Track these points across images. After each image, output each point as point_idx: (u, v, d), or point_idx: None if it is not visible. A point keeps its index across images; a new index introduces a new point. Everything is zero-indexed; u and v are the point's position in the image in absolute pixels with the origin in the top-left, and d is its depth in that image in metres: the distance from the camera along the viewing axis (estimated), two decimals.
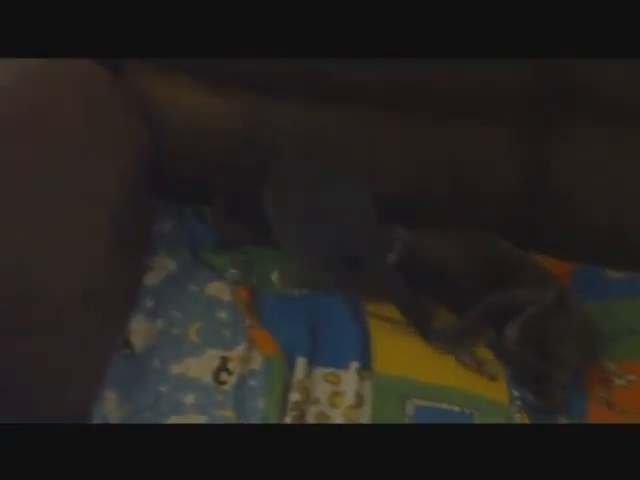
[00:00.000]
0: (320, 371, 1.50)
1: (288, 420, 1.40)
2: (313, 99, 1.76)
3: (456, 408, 1.46)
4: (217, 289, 1.62)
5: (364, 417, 1.43)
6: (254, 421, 1.40)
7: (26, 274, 1.28)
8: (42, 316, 1.30)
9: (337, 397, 1.45)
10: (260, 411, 1.42)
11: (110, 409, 1.40)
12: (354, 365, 1.49)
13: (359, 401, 1.45)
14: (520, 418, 1.46)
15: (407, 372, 1.51)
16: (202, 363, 1.49)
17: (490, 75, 1.71)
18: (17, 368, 1.32)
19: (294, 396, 1.43)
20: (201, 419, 1.40)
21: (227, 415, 1.41)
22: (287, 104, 1.77)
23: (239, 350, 1.51)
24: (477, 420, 1.45)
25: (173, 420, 1.40)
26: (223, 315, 1.58)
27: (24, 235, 1.31)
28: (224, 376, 1.47)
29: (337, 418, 1.42)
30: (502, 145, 1.79)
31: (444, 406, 1.47)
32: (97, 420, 1.38)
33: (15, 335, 1.28)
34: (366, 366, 1.50)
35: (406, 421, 1.43)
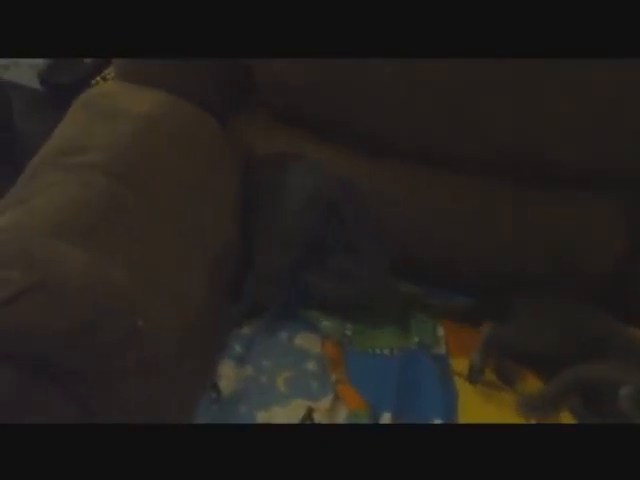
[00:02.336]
0: None
1: None
2: (419, 164, 1.80)
3: None
4: (307, 340, 1.65)
5: None
6: None
7: (131, 319, 1.32)
8: (142, 360, 1.34)
9: None
10: None
11: None
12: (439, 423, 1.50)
13: None
14: None
15: None
16: (288, 412, 1.50)
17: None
18: (113, 411, 1.35)
19: None
20: None
21: None
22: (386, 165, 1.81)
23: (325, 402, 1.52)
24: None
25: None
26: (311, 366, 1.60)
27: (131, 280, 1.36)
28: None
29: None
30: (602, 217, 1.81)
31: None
32: None
33: (114, 379, 1.33)
34: None
35: None
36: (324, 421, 1.49)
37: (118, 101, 1.68)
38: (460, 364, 1.63)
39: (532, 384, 1.64)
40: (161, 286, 1.43)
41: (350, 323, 1.69)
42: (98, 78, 2.28)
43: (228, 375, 1.56)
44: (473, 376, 1.61)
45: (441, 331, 1.72)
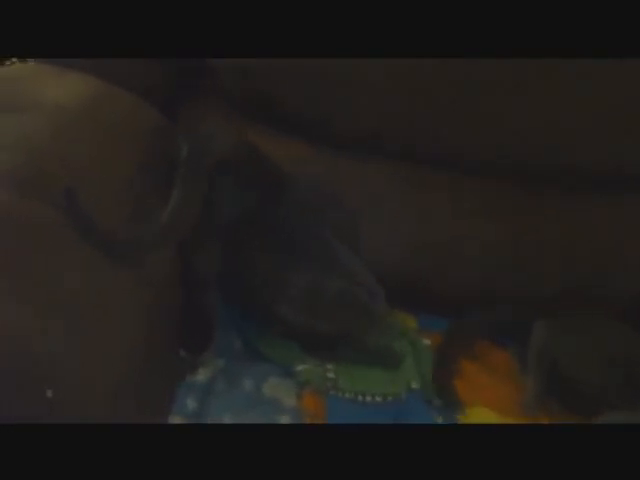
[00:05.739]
0: None
1: None
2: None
3: None
4: (278, 388, 1.34)
5: None
6: None
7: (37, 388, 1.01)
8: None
9: None
10: None
11: None
12: None
13: None
14: None
15: None
16: None
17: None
18: None
19: None
20: None
21: None
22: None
23: None
24: None
25: None
26: (285, 422, 1.29)
27: (40, 332, 1.05)
28: None
29: None
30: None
31: None
32: None
33: None
34: None
35: None
36: None
37: (31, 87, 1.40)
38: (474, 415, 1.35)
39: None
40: (84, 337, 1.10)
41: (332, 363, 1.39)
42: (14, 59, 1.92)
43: None
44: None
45: None
